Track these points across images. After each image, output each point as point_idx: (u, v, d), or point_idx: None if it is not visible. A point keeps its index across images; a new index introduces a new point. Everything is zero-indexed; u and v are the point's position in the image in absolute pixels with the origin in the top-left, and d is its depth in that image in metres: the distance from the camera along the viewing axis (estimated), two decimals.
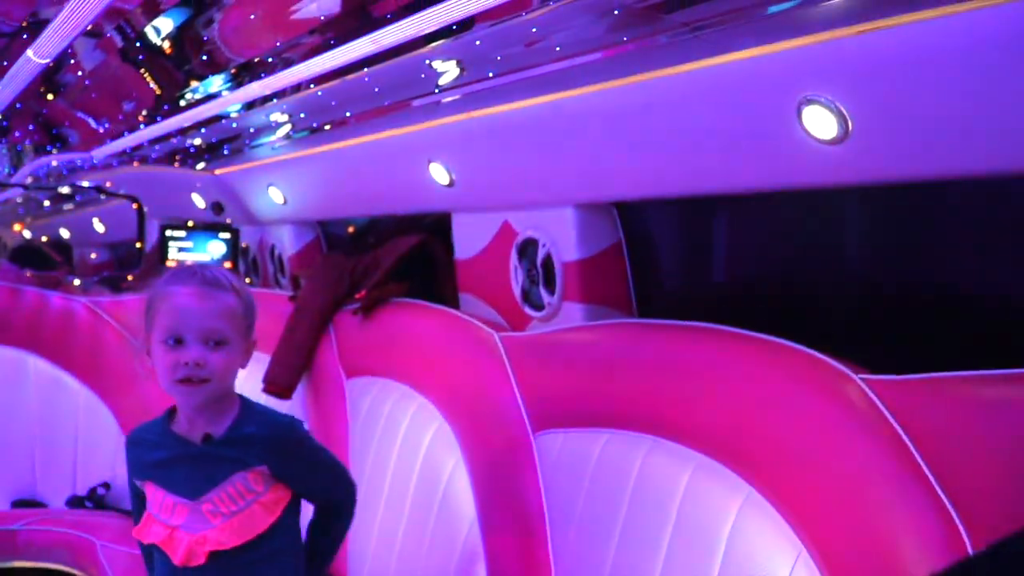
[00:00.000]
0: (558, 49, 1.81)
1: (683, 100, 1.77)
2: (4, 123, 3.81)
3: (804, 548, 1.51)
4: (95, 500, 3.36)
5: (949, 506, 1.32)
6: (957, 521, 1.30)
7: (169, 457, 1.81)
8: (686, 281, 2.43)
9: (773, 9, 1.41)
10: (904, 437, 1.41)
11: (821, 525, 1.50)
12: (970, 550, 1.28)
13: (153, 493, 1.83)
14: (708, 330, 1.87)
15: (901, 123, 1.45)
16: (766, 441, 1.64)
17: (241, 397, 1.86)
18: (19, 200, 6.02)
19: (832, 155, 1.57)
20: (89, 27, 2.25)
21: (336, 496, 1.97)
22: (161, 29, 2.26)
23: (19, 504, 3.31)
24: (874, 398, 1.47)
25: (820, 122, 1.53)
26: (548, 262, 2.39)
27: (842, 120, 1.49)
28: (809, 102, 1.52)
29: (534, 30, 1.77)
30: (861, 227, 1.99)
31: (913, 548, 1.36)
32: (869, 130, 1.49)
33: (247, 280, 4.37)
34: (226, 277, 1.80)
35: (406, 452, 2.54)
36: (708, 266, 2.40)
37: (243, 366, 1.83)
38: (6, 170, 4.61)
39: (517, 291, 2.54)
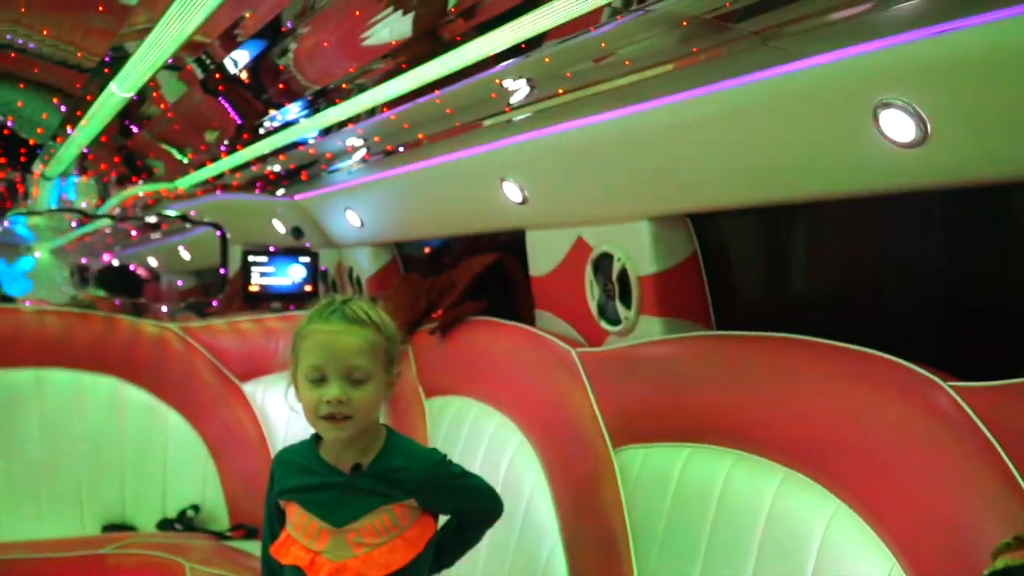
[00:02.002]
0: (627, 63, 1.80)
1: (755, 108, 1.75)
2: (91, 156, 3.95)
3: (896, 562, 1.47)
4: (184, 522, 3.43)
5: None
6: None
7: (317, 483, 1.83)
8: (764, 292, 2.39)
9: (845, 13, 1.39)
10: (996, 445, 1.36)
11: (914, 538, 1.46)
12: None
13: (297, 515, 1.85)
14: (789, 341, 1.84)
15: (980, 123, 1.42)
16: (853, 453, 1.60)
17: (387, 428, 1.88)
18: (107, 231, 6.22)
19: (911, 158, 1.53)
20: (170, 60, 2.32)
21: (479, 510, 1.98)
22: (239, 60, 2.32)
23: (109, 528, 3.39)
24: (964, 405, 1.43)
25: (898, 125, 1.50)
26: (623, 276, 2.38)
27: (920, 122, 1.46)
28: (886, 105, 1.49)
29: (603, 45, 1.78)
30: (941, 232, 1.94)
31: None
32: (948, 132, 1.45)
33: None
34: (366, 311, 1.81)
35: (487, 470, 2.55)
36: (786, 276, 2.36)
37: (387, 397, 1.84)
38: (93, 201, 4.78)
39: (593, 306, 2.53)
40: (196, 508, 3.41)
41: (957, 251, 1.91)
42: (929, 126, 1.45)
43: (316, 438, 1.88)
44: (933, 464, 1.45)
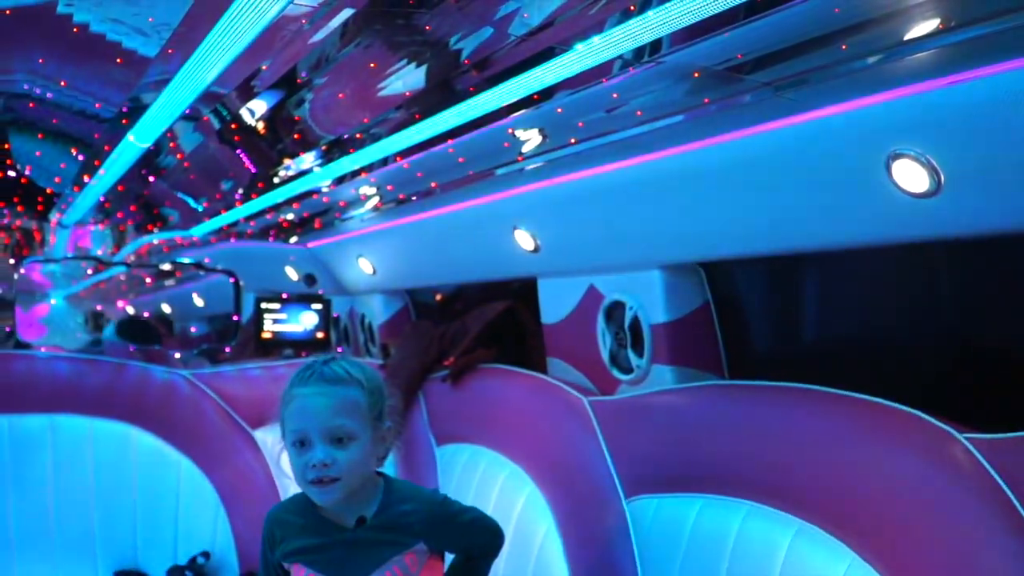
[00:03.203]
0: (639, 113, 1.82)
1: (768, 158, 1.76)
2: (107, 204, 3.99)
3: None
4: (195, 569, 3.41)
5: None
6: None
7: (322, 543, 1.80)
8: (777, 341, 2.38)
9: (856, 65, 1.41)
10: (1013, 499, 1.34)
11: None
12: None
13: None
14: (803, 391, 1.83)
15: (995, 174, 1.42)
16: (868, 505, 1.58)
17: (384, 476, 1.85)
18: (122, 278, 6.27)
19: (924, 209, 1.53)
20: (187, 111, 2.35)
21: (484, 543, 1.95)
22: (255, 111, 2.35)
23: (120, 574, 3.38)
24: (980, 458, 1.41)
25: (911, 176, 1.50)
26: (636, 325, 2.38)
27: (933, 173, 1.46)
28: (898, 156, 1.49)
29: (615, 96, 1.79)
30: (953, 282, 1.93)
31: None
32: (962, 182, 1.45)
33: (339, 350, 4.45)
34: (346, 369, 1.77)
35: (498, 518, 2.52)
36: (799, 325, 2.35)
37: (380, 454, 1.80)
38: (109, 249, 4.82)
39: (605, 355, 2.52)
40: (207, 555, 3.39)
41: (970, 300, 1.90)
42: (942, 176, 1.46)
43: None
44: (949, 517, 1.43)
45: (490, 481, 2.64)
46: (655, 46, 1.53)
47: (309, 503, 1.82)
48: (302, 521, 1.83)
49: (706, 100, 1.69)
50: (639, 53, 1.58)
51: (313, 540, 1.81)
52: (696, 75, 1.62)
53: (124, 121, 2.54)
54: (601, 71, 1.66)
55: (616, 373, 2.48)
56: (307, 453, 1.72)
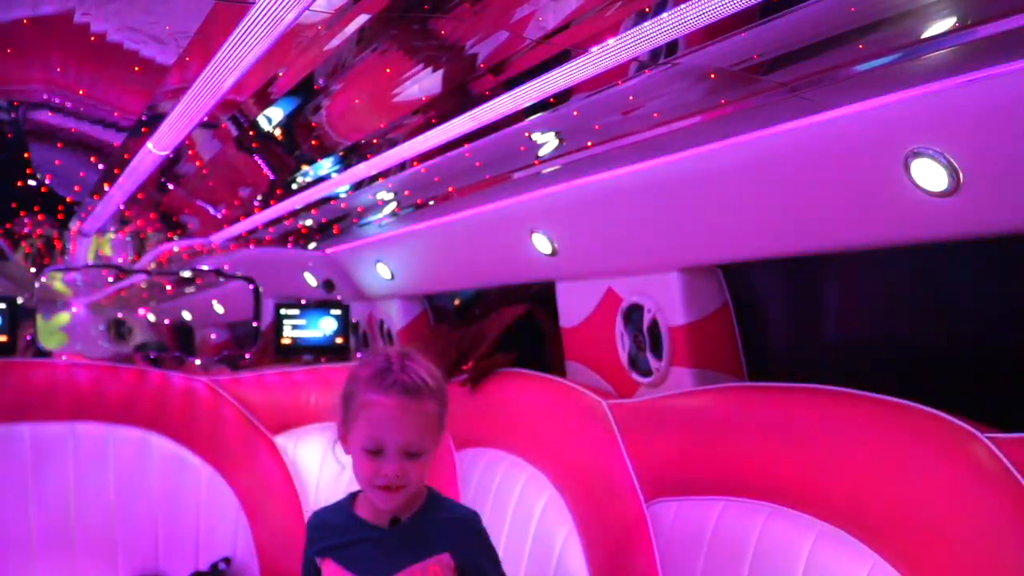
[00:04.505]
0: (656, 115, 1.82)
1: (785, 159, 1.75)
2: (127, 212, 4.01)
3: None
4: (216, 575, 3.42)
5: None
6: None
7: (353, 540, 1.83)
8: (797, 342, 2.37)
9: (873, 64, 1.40)
10: None
11: None
12: None
13: (333, 571, 1.84)
14: (823, 392, 1.82)
15: (1015, 172, 1.40)
16: (890, 506, 1.57)
17: (429, 488, 1.87)
18: (143, 285, 6.31)
19: (943, 208, 1.52)
20: (205, 119, 2.36)
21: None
22: (273, 117, 2.36)
23: None
24: (1003, 458, 1.40)
25: (929, 175, 1.49)
26: (654, 327, 2.37)
27: (952, 172, 1.45)
28: (916, 155, 1.48)
29: (631, 98, 1.79)
30: (973, 282, 1.91)
31: None
32: (981, 181, 1.44)
33: (358, 355, 4.46)
34: (423, 378, 1.79)
35: (518, 523, 2.52)
36: (818, 326, 2.34)
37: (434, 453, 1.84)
38: (130, 257, 4.85)
39: (624, 357, 2.52)
40: (228, 560, 3.40)
41: (990, 299, 1.89)
42: (961, 175, 1.45)
43: (352, 497, 1.88)
44: (972, 517, 1.42)
45: (509, 485, 2.64)
46: (671, 48, 1.53)
47: (348, 505, 1.87)
48: (338, 520, 1.87)
49: (723, 101, 1.69)
50: (655, 55, 1.57)
51: (346, 538, 1.84)
52: (712, 76, 1.62)
53: (143, 129, 2.56)
54: (617, 73, 1.66)
55: (635, 376, 2.48)
56: (379, 461, 1.74)
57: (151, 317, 6.66)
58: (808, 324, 2.36)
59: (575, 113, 1.92)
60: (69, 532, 3.33)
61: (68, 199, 3.80)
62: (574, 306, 2.76)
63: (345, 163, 2.69)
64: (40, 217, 4.18)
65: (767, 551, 1.79)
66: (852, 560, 1.60)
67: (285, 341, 4.25)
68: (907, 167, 1.51)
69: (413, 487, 1.78)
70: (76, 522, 3.35)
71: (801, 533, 1.72)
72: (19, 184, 3.54)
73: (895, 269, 2.03)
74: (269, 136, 2.56)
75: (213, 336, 6.19)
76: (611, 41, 1.54)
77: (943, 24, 1.28)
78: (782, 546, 1.75)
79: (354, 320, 4.42)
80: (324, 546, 1.86)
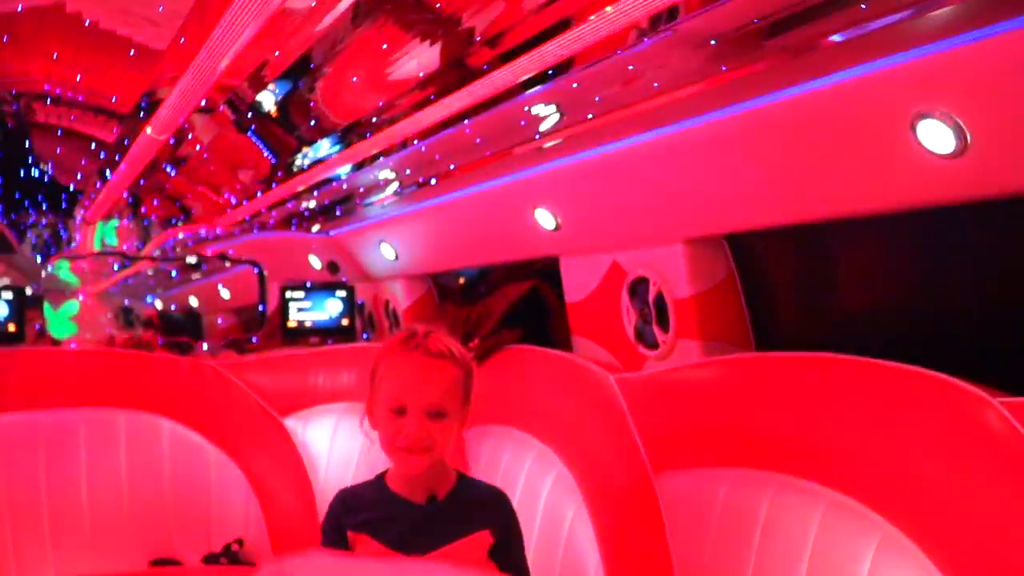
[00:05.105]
0: (656, 85, 1.79)
1: (790, 125, 1.72)
2: (130, 200, 4.01)
3: None
4: (229, 556, 3.43)
5: None
6: None
7: (390, 515, 1.83)
8: (804, 312, 2.35)
9: (876, 24, 1.37)
10: None
11: (967, 562, 1.41)
12: None
13: (369, 545, 1.83)
14: (831, 360, 1.80)
15: (1022, 132, 1.38)
16: (901, 474, 1.56)
17: (457, 471, 1.88)
18: (150, 272, 6.32)
19: (951, 170, 1.50)
20: (202, 103, 2.35)
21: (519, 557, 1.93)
22: (269, 99, 2.35)
23: (156, 563, 3.41)
24: (1015, 423, 1.38)
25: (937, 137, 1.47)
26: (660, 300, 2.36)
27: (960, 133, 1.43)
28: (923, 117, 1.46)
29: (631, 68, 1.77)
30: (983, 246, 1.89)
31: None
32: (989, 141, 1.42)
33: (364, 336, 4.46)
34: (448, 346, 1.81)
35: (527, 500, 2.52)
36: (826, 295, 2.32)
37: (460, 431, 1.85)
38: (135, 244, 4.85)
39: (630, 331, 2.50)
40: (240, 542, 3.42)
41: (1001, 263, 1.86)
42: (969, 136, 1.42)
43: (381, 477, 1.88)
44: (984, 484, 1.41)
45: (518, 462, 2.63)
46: (671, 13, 1.50)
47: (380, 481, 1.87)
48: (373, 496, 1.86)
49: (724, 68, 1.66)
50: (654, 21, 1.55)
51: (382, 513, 1.83)
52: (713, 42, 1.59)
53: (141, 115, 2.55)
54: (616, 42, 1.64)
55: (642, 349, 2.46)
56: (402, 421, 1.75)
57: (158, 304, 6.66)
58: (815, 293, 2.34)
59: (575, 85, 1.90)
60: (82, 518, 3.35)
61: (71, 188, 3.80)
62: (579, 281, 2.74)
63: (345, 142, 2.68)
64: (45, 206, 4.18)
65: (777, 521, 1.78)
66: (863, 529, 1.59)
67: (291, 324, 4.25)
68: (914, 129, 1.48)
69: (437, 453, 1.77)
70: (88, 508, 3.36)
71: (811, 503, 1.71)
72: (23, 174, 3.54)
73: (902, 236, 2.01)
74: (268, 117, 2.55)
75: (220, 321, 6.20)
76: (609, 8, 1.52)
77: None
78: (792, 516, 1.74)
79: (359, 301, 4.41)
80: (358, 520, 1.85)
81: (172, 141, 2.85)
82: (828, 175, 1.77)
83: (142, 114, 2.52)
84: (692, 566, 1.99)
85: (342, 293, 4.29)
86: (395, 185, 3.14)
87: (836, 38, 1.44)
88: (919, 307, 2.01)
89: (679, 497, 2.07)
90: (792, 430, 1.82)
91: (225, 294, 6.08)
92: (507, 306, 3.03)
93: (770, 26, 1.49)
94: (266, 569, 1.73)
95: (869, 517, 1.58)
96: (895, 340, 1.93)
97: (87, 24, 1.96)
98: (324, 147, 2.78)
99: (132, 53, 2.07)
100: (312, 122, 2.59)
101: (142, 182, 3.57)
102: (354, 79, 2.18)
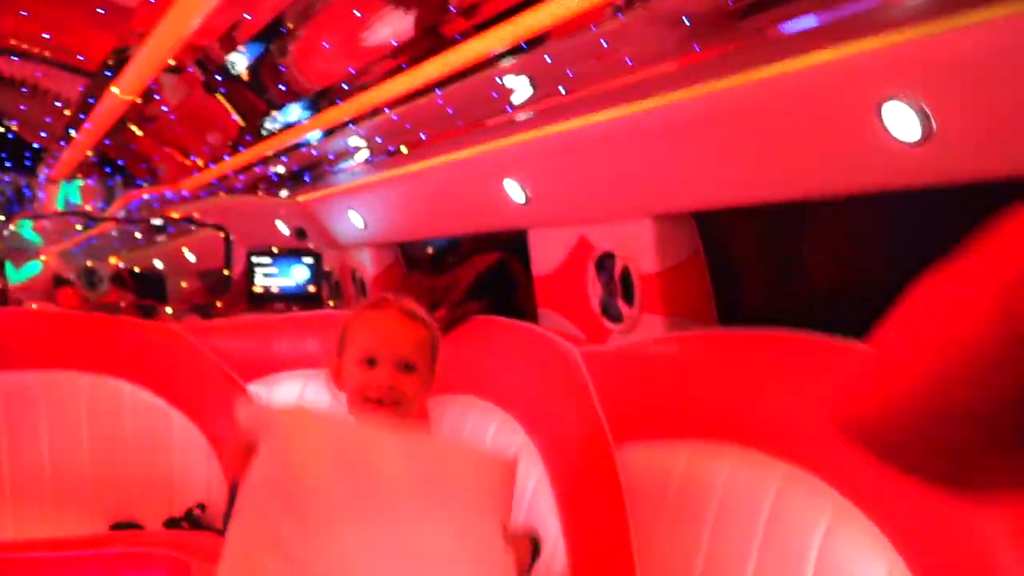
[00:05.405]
0: (629, 62, 1.80)
1: (759, 106, 1.74)
2: (95, 159, 3.96)
3: (901, 558, 1.46)
4: (191, 521, 3.43)
5: None
6: None
7: None
8: (769, 291, 2.39)
9: (847, 9, 1.39)
10: None
11: (918, 536, 1.46)
12: None
13: None
14: (791, 337, 1.83)
15: (987, 120, 1.41)
16: (853, 448, 1.60)
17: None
18: (114, 234, 6.24)
19: (916, 156, 1.53)
20: (171, 63, 2.33)
21: None
22: (240, 61, 2.33)
23: (117, 527, 3.40)
24: None
25: (902, 122, 1.49)
26: (626, 275, 2.38)
27: (925, 119, 1.45)
28: (889, 102, 1.48)
29: (604, 44, 1.77)
30: (947, 228, 1.92)
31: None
32: (954, 129, 1.45)
33: (330, 303, 4.45)
34: (419, 310, 1.85)
35: None
36: (790, 275, 2.36)
37: (425, 396, 1.88)
38: (100, 205, 4.79)
39: (596, 305, 2.53)
40: (202, 507, 3.42)
41: (964, 245, 1.90)
42: (934, 123, 1.45)
43: None
44: None
45: (481, 431, 2.66)
46: None
47: None
48: None
49: (696, 47, 1.68)
50: None
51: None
52: (686, 21, 1.61)
53: (108, 73, 2.52)
54: (591, 16, 1.64)
55: (607, 323, 2.49)
56: (372, 372, 1.76)
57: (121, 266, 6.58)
58: (780, 273, 2.38)
59: (548, 58, 1.90)
60: (42, 481, 3.32)
61: (35, 145, 3.74)
62: (546, 254, 2.76)
63: (316, 108, 2.66)
64: (7, 164, 4.12)
65: (734, 492, 1.82)
66: (817, 501, 1.63)
67: (257, 289, 4.23)
68: (880, 114, 1.51)
69: (404, 410, 1.78)
70: (50, 471, 3.34)
71: (767, 475, 1.75)
72: None
73: (867, 216, 2.04)
74: (238, 80, 2.52)
75: (184, 284, 6.14)
76: None
77: None
78: (748, 487, 1.78)
79: (327, 269, 4.40)
80: None
81: (139, 100, 2.82)
82: (796, 156, 1.80)
83: (109, 72, 2.49)
84: (650, 535, 2.03)
85: (309, 260, 4.27)
86: (365, 153, 3.13)
87: (807, 21, 1.46)
88: (882, 286, 2.04)
89: (639, 468, 2.10)
90: (750, 404, 1.85)
91: (191, 257, 6.03)
92: (474, 277, 3.04)
93: (744, 8, 1.50)
94: (245, 408, 1.72)
95: (824, 490, 1.62)
96: (858, 319, 1.97)
97: None
98: (294, 112, 2.76)
99: (102, 12, 2.04)
100: (283, 86, 2.57)
101: (107, 141, 3.52)
102: (326, 44, 2.17)
